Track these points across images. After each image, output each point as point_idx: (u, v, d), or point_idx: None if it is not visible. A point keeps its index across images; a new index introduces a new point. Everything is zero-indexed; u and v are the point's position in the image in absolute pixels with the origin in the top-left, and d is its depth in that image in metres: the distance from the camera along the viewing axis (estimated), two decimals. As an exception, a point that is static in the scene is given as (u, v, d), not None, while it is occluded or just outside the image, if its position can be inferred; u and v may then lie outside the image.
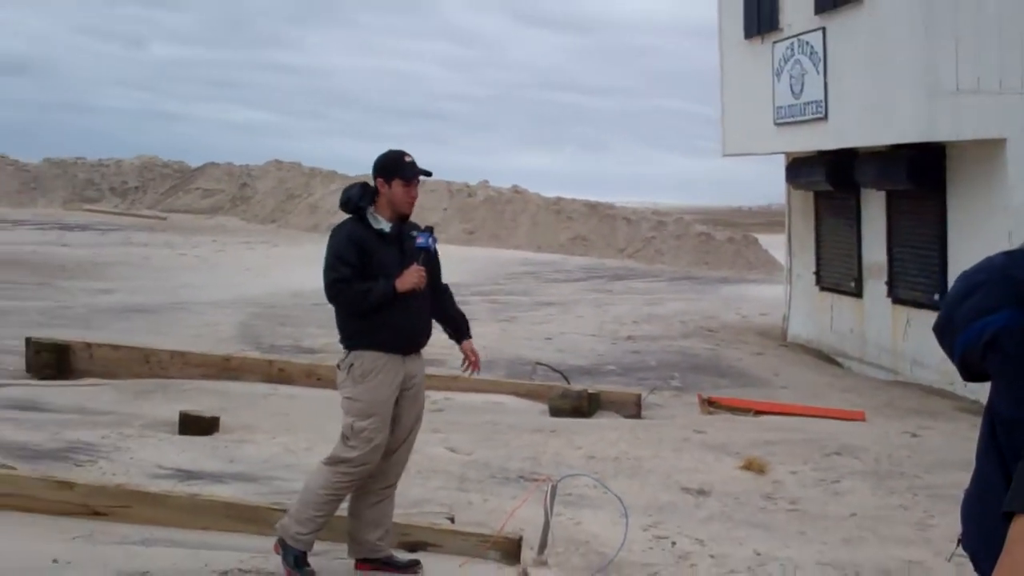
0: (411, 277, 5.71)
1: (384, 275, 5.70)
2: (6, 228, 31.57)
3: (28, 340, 12.08)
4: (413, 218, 6.05)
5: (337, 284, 5.71)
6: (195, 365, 11.92)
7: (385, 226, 5.82)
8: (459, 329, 6.14)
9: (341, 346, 5.90)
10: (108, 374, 11.70)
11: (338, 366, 5.87)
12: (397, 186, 5.80)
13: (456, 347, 6.20)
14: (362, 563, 5.92)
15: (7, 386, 11.08)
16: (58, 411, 10.06)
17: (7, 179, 41.58)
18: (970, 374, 2.52)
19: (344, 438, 5.78)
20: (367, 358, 5.73)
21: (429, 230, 5.98)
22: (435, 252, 5.96)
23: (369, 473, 5.79)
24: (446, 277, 6.13)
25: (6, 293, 18.94)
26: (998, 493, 2.40)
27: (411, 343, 5.85)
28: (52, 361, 11.76)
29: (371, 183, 5.93)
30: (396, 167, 5.84)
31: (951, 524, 7.24)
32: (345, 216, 5.95)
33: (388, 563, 5.89)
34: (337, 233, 5.87)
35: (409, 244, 5.84)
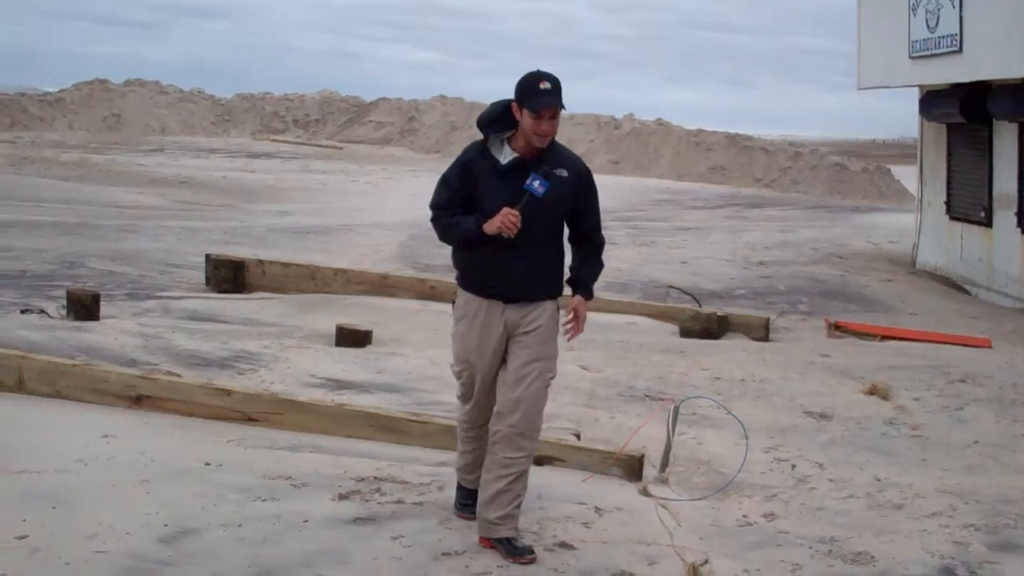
0: (497, 221, 4.64)
1: (487, 212, 4.68)
2: (201, 156, 32.21)
3: (208, 256, 12.16)
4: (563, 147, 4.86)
5: (434, 209, 4.85)
6: (356, 282, 11.83)
7: (504, 157, 4.71)
8: (576, 282, 5.01)
9: None
10: (278, 289, 11.71)
11: (452, 301, 5.07)
12: (526, 117, 4.65)
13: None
14: (484, 538, 4.85)
15: (187, 298, 11.18)
16: (229, 322, 10.09)
17: (203, 112, 42.40)
18: None
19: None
20: (462, 298, 4.91)
21: (546, 174, 4.70)
22: (552, 195, 4.69)
23: (476, 424, 4.99)
24: None
25: (196, 214, 19.27)
26: None
27: (508, 291, 4.77)
28: (229, 276, 11.80)
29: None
30: (526, 94, 4.65)
31: (1076, 455, 6.65)
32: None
33: (503, 545, 4.76)
34: (456, 156, 4.94)
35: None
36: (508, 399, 4.76)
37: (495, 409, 4.83)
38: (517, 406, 4.74)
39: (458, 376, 4.98)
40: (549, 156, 4.73)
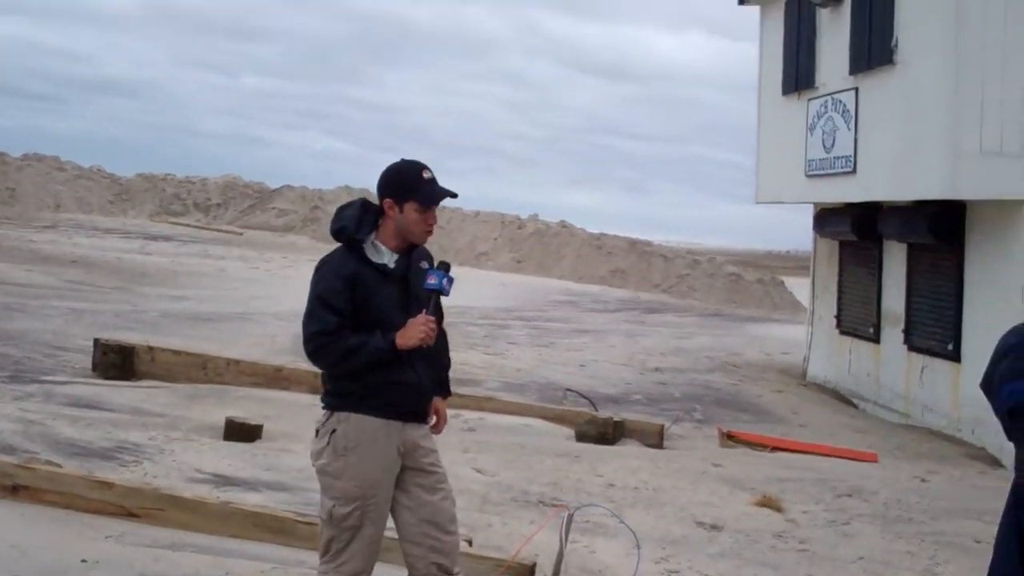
0: (417, 330, 4.14)
1: (383, 324, 4.14)
2: (96, 235, 31.61)
3: (96, 340, 11.87)
4: (437, 244, 4.62)
5: (319, 337, 4.12)
6: (248, 374, 11.66)
7: (388, 259, 4.22)
8: (440, 383, 4.51)
9: (321, 404, 4.35)
10: (168, 377, 11.47)
11: (316, 432, 4.28)
12: (411, 211, 4.19)
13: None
14: None
15: (72, 384, 10.88)
16: (115, 410, 9.83)
17: (102, 190, 41.73)
18: (1009, 433, 2.26)
19: (323, 530, 4.26)
20: (354, 424, 4.17)
21: (445, 267, 4.29)
22: (447, 294, 4.30)
23: None
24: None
25: (87, 295, 18.83)
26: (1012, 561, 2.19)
27: (415, 407, 4.28)
28: (117, 362, 11.52)
29: (374, 200, 4.37)
30: (412, 186, 4.19)
31: (956, 573, 6.78)
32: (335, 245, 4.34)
33: None
34: (324, 269, 4.23)
35: (416, 283, 4.26)
36: (429, 535, 4.24)
37: (411, 550, 4.26)
38: (445, 541, 4.27)
39: (341, 521, 4.17)
40: (415, 251, 4.34)
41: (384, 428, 4.20)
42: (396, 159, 4.40)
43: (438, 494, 4.30)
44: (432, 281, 4.25)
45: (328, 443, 4.20)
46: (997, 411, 2.29)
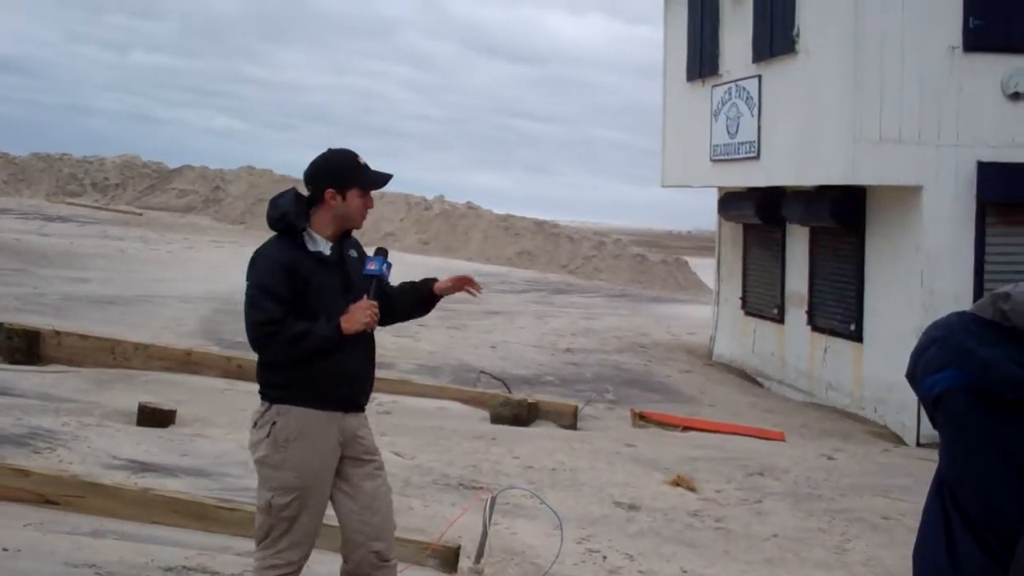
0: (362, 314, 4.15)
1: (325, 311, 4.12)
2: (-9, 216, 30.73)
3: (0, 325, 11.57)
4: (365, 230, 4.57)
5: (264, 327, 4.06)
6: (157, 358, 11.49)
7: (324, 247, 4.22)
8: (423, 284, 4.56)
9: (260, 398, 4.26)
10: (75, 362, 11.26)
11: (254, 423, 4.21)
12: (354, 197, 4.22)
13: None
14: None
15: (-24, 369, 10.59)
16: (23, 396, 9.62)
17: (-5, 170, 40.61)
18: (933, 422, 2.38)
19: (261, 519, 4.21)
20: (295, 416, 4.12)
21: (383, 253, 4.36)
22: (387, 280, 4.36)
23: (296, 570, 4.20)
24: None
25: (-15, 278, 18.32)
26: (936, 543, 2.30)
27: (355, 396, 4.29)
28: (23, 346, 11.27)
29: (303, 191, 4.35)
30: (352, 173, 4.24)
31: (866, 549, 7.03)
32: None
33: None
34: (261, 258, 4.18)
35: (353, 269, 4.28)
36: (368, 523, 4.23)
37: (350, 537, 4.25)
38: (383, 528, 4.27)
39: (280, 511, 4.13)
40: (348, 239, 4.37)
41: (325, 419, 4.16)
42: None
43: (377, 480, 4.31)
44: (372, 267, 4.27)
45: (268, 434, 4.13)
46: (922, 400, 2.40)
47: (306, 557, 4.26)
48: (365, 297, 4.22)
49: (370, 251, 4.47)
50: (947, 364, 2.27)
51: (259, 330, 4.09)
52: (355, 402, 4.30)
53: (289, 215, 4.18)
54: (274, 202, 4.28)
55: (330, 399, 4.18)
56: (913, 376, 2.37)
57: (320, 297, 4.15)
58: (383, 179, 4.33)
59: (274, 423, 4.14)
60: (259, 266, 4.17)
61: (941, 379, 2.28)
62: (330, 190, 4.21)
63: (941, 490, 2.32)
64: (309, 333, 4.08)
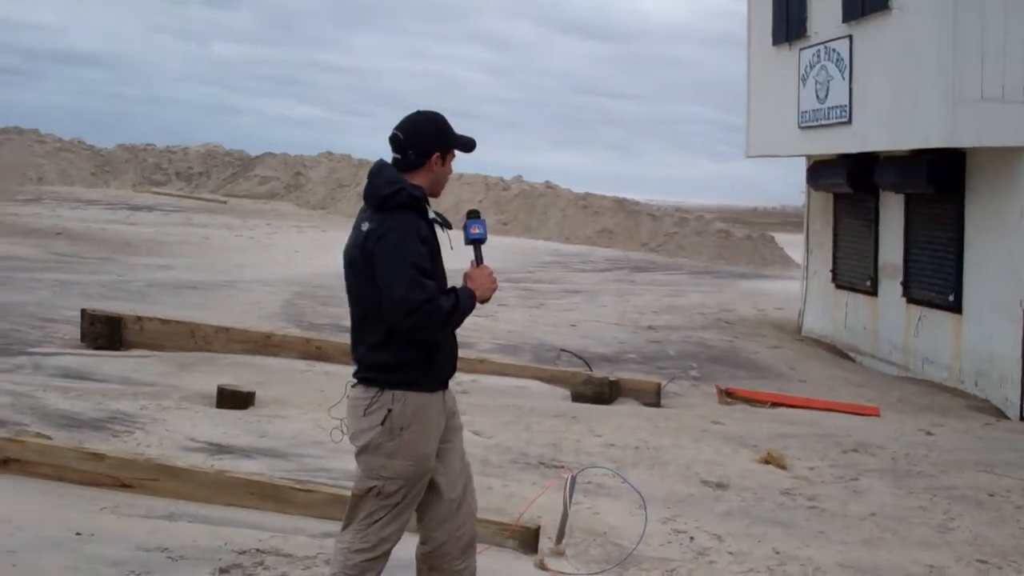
0: (489, 282, 4.08)
1: (438, 279, 4.00)
2: (79, 207, 31.30)
3: (83, 311, 11.66)
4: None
5: (425, 306, 3.85)
6: (238, 341, 11.46)
7: (431, 215, 4.08)
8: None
9: (362, 384, 4.04)
10: (156, 346, 11.28)
11: (363, 411, 3.99)
12: (450, 161, 4.15)
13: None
14: None
15: (60, 355, 10.69)
16: (104, 380, 9.65)
17: (83, 162, 41.36)
18: None
19: (359, 508, 4.04)
20: (411, 401, 3.97)
21: (477, 215, 4.25)
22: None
23: (384, 554, 4.06)
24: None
25: (72, 267, 18.59)
26: None
27: (454, 372, 4.20)
28: (105, 332, 11.32)
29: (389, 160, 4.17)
30: (450, 135, 4.14)
31: (972, 527, 6.65)
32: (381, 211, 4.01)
33: None
34: (404, 232, 3.93)
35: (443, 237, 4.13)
36: (453, 500, 4.14)
37: (434, 517, 4.14)
38: (463, 505, 4.18)
39: (387, 498, 3.99)
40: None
41: (435, 402, 4.05)
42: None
43: (464, 458, 4.25)
44: (477, 231, 4.15)
45: (383, 422, 3.95)
46: None
47: (398, 542, 4.10)
48: (472, 264, 4.12)
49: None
50: None
51: (423, 309, 3.86)
52: (450, 376, 4.18)
53: (406, 188, 4.01)
54: (383, 175, 4.08)
55: (439, 379, 4.08)
56: None
57: (436, 266, 4.03)
58: (473, 142, 4.22)
59: (390, 410, 3.97)
60: (407, 243, 3.93)
61: None
62: (436, 154, 4.10)
63: None
64: (456, 306, 3.96)
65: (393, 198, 3.98)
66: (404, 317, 3.85)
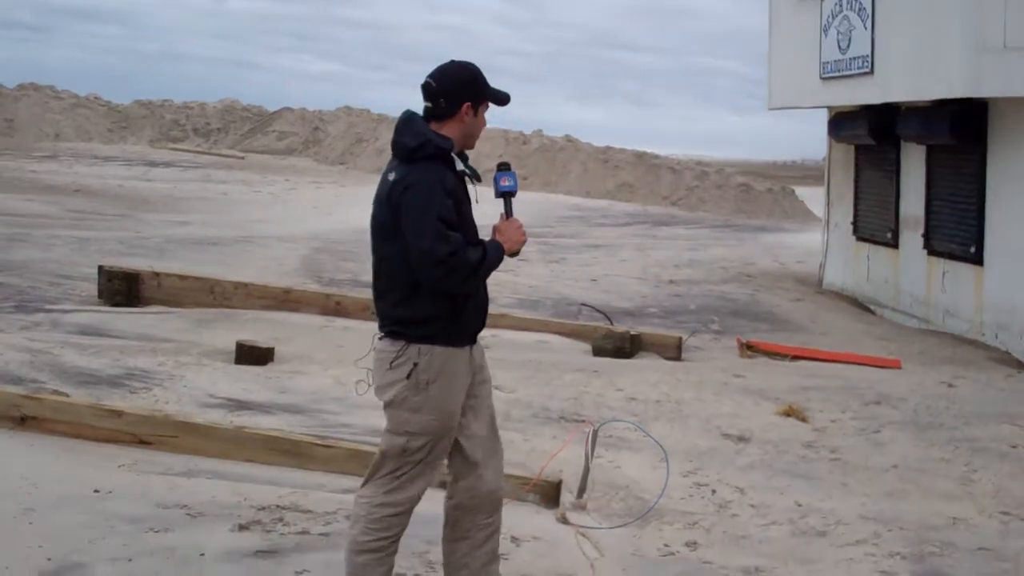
0: (518, 235, 4.02)
1: (466, 232, 3.91)
2: (97, 163, 31.31)
3: (101, 268, 11.67)
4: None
5: (452, 259, 3.79)
6: (257, 297, 11.44)
7: (459, 166, 4.00)
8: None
9: (388, 338, 3.96)
10: (174, 303, 11.29)
11: (390, 364, 3.93)
12: (483, 112, 4.05)
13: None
14: None
15: (78, 312, 10.71)
16: (122, 337, 9.66)
17: (99, 119, 41.33)
18: None
19: (384, 463, 4.00)
20: (438, 355, 3.90)
21: (507, 167, 4.18)
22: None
23: (408, 510, 4.02)
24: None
25: (90, 223, 18.61)
26: None
27: (483, 326, 4.13)
28: (123, 289, 11.33)
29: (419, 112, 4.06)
30: (486, 86, 4.05)
31: (994, 479, 6.60)
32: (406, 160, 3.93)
33: None
34: (429, 184, 3.85)
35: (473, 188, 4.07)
36: (483, 455, 4.14)
37: (462, 469, 4.13)
38: (492, 460, 4.18)
39: (413, 454, 3.95)
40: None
41: (462, 357, 4.00)
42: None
43: (492, 410, 4.24)
44: (507, 183, 4.08)
45: (409, 376, 3.90)
46: None
47: (422, 497, 4.07)
48: (502, 216, 4.06)
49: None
50: None
51: (448, 262, 3.80)
52: (478, 331, 4.12)
53: (433, 140, 3.92)
54: (409, 126, 4.00)
55: (467, 333, 4.02)
56: None
57: (464, 218, 3.94)
58: (508, 96, 4.11)
59: (416, 364, 3.90)
60: (432, 196, 3.85)
61: None
62: (467, 104, 4.00)
63: None
64: (484, 258, 3.90)
65: (420, 150, 3.91)
66: (430, 269, 3.80)
